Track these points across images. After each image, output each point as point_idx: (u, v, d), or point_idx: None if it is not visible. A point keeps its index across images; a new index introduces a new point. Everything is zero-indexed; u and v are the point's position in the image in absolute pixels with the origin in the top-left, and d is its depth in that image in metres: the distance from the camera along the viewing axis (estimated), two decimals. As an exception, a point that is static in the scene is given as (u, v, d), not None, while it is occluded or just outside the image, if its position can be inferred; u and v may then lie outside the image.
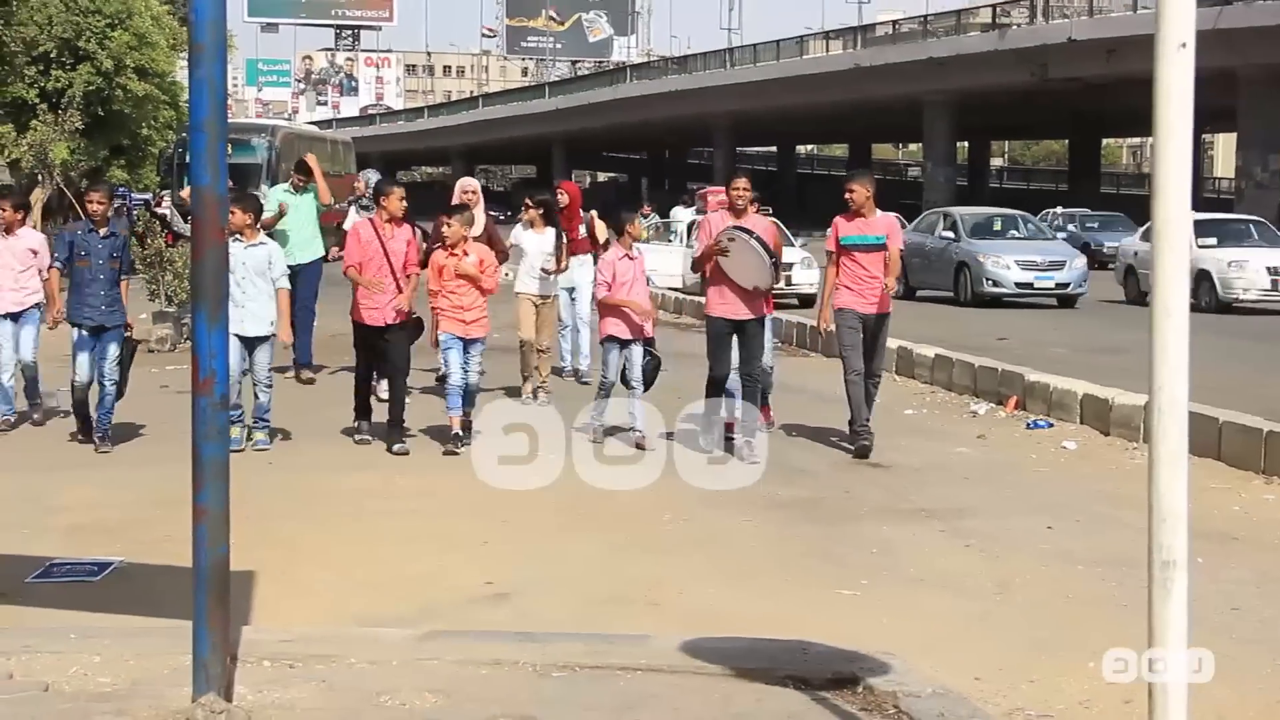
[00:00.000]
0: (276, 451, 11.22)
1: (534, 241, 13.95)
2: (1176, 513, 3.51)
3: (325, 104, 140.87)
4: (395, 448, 11.22)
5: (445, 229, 11.48)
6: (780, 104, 72.21)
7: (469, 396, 11.55)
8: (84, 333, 11.45)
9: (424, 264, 12.15)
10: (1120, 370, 13.24)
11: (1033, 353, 16.96)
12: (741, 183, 11.38)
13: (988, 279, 27.38)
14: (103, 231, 11.54)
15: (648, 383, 11.84)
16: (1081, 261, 28.53)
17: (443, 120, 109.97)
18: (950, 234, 28.89)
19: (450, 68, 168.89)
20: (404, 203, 11.77)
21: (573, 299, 15.40)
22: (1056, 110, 69.92)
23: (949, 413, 13.71)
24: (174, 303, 18.70)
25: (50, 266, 11.94)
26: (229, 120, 5.50)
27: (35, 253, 12.36)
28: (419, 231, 12.65)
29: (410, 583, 7.69)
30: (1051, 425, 12.58)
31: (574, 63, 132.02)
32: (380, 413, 11.78)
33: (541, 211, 14.01)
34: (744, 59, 78.05)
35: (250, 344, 11.21)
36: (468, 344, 11.46)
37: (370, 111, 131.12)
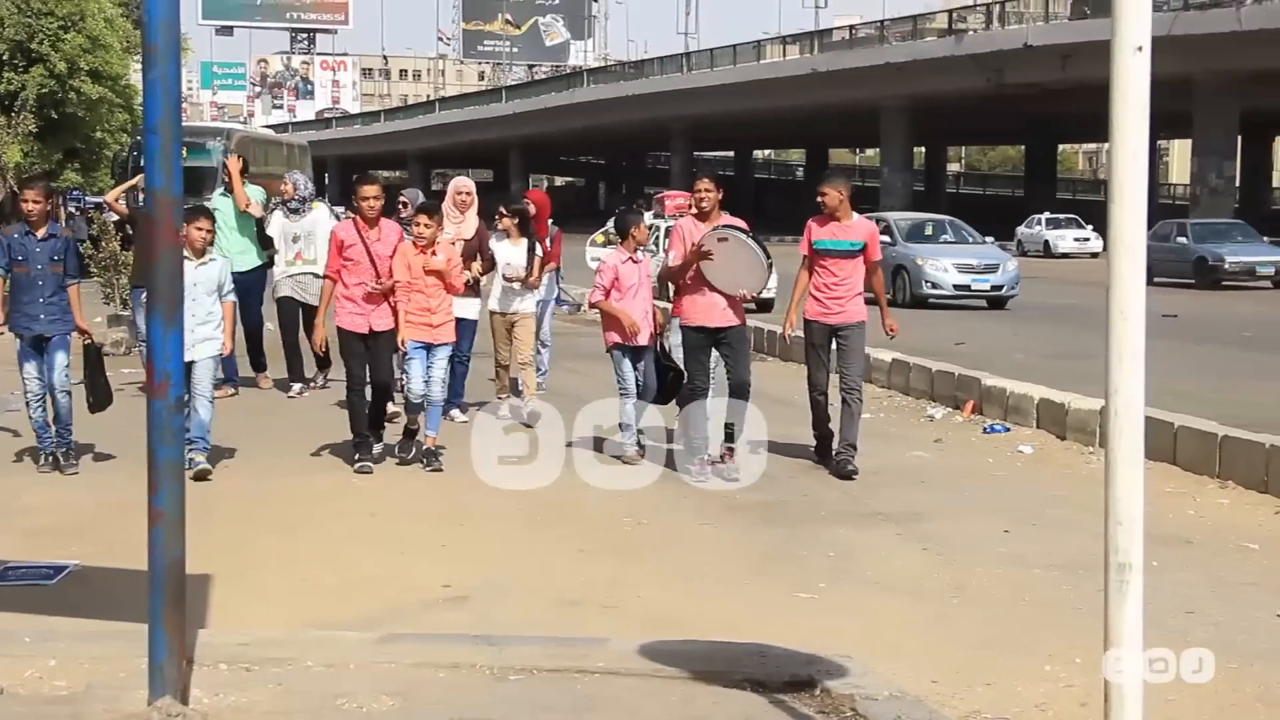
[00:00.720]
0: (236, 457, 11.15)
1: (509, 254, 13.16)
2: (1133, 516, 3.53)
3: (281, 108, 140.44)
4: (359, 465, 10.66)
5: (423, 227, 10.88)
6: (737, 109, 72.40)
7: (431, 412, 10.95)
8: (25, 344, 10.55)
9: None
10: (1080, 375, 13.29)
11: (991, 357, 17.02)
12: (705, 183, 10.80)
13: (927, 281, 28.44)
14: (40, 233, 10.47)
15: (669, 395, 11.15)
16: (1014, 264, 29.70)
17: (399, 124, 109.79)
18: (886, 238, 29.29)
19: (407, 71, 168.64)
20: (377, 201, 10.99)
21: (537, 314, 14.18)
22: (1013, 116, 70.39)
23: (906, 417, 13.74)
24: (128, 306, 18.60)
25: None
26: (184, 123, 5.46)
27: None
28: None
29: (368, 586, 7.67)
30: (1008, 429, 12.63)
31: (531, 67, 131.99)
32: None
33: (517, 221, 13.38)
34: (701, 64, 78.27)
35: (190, 365, 10.24)
36: (432, 349, 10.92)
37: (326, 115, 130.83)
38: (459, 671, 5.70)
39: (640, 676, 5.67)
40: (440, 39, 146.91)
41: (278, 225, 14.86)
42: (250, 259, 14.89)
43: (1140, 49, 3.46)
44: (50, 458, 10.58)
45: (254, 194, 15.10)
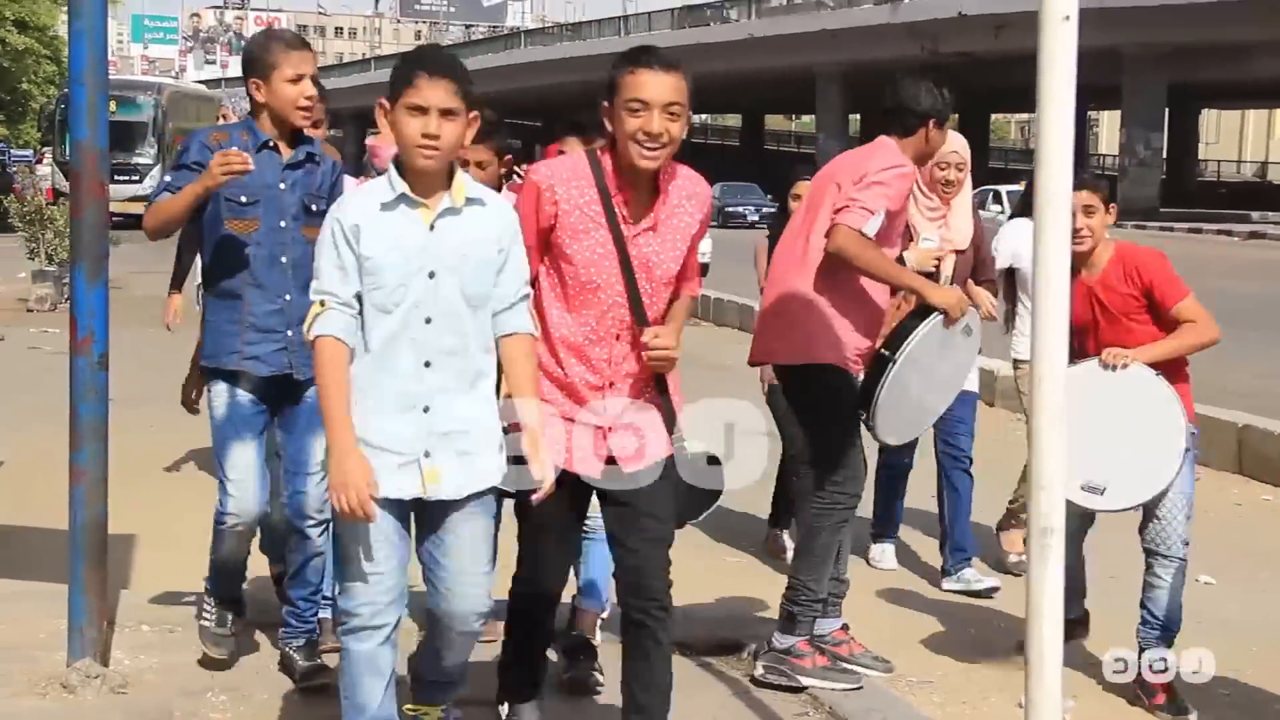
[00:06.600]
0: (159, 412, 10.98)
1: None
2: (1055, 481, 3.54)
3: (214, 63, 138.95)
4: None
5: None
6: (674, 72, 72.20)
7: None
8: (240, 390, 5.04)
9: None
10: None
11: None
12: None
13: None
14: (288, 154, 5.10)
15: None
16: None
17: (334, 83, 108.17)
18: None
19: (342, 29, 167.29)
20: (664, 150, 4.66)
21: None
22: (947, 85, 70.56)
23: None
24: (54, 261, 18.43)
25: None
26: (115, 77, 5.40)
27: None
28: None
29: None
30: (936, 396, 12.67)
31: (468, 26, 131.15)
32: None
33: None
34: (639, 27, 78.08)
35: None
36: None
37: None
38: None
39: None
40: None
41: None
42: None
43: (1067, 18, 3.47)
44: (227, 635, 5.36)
45: None
